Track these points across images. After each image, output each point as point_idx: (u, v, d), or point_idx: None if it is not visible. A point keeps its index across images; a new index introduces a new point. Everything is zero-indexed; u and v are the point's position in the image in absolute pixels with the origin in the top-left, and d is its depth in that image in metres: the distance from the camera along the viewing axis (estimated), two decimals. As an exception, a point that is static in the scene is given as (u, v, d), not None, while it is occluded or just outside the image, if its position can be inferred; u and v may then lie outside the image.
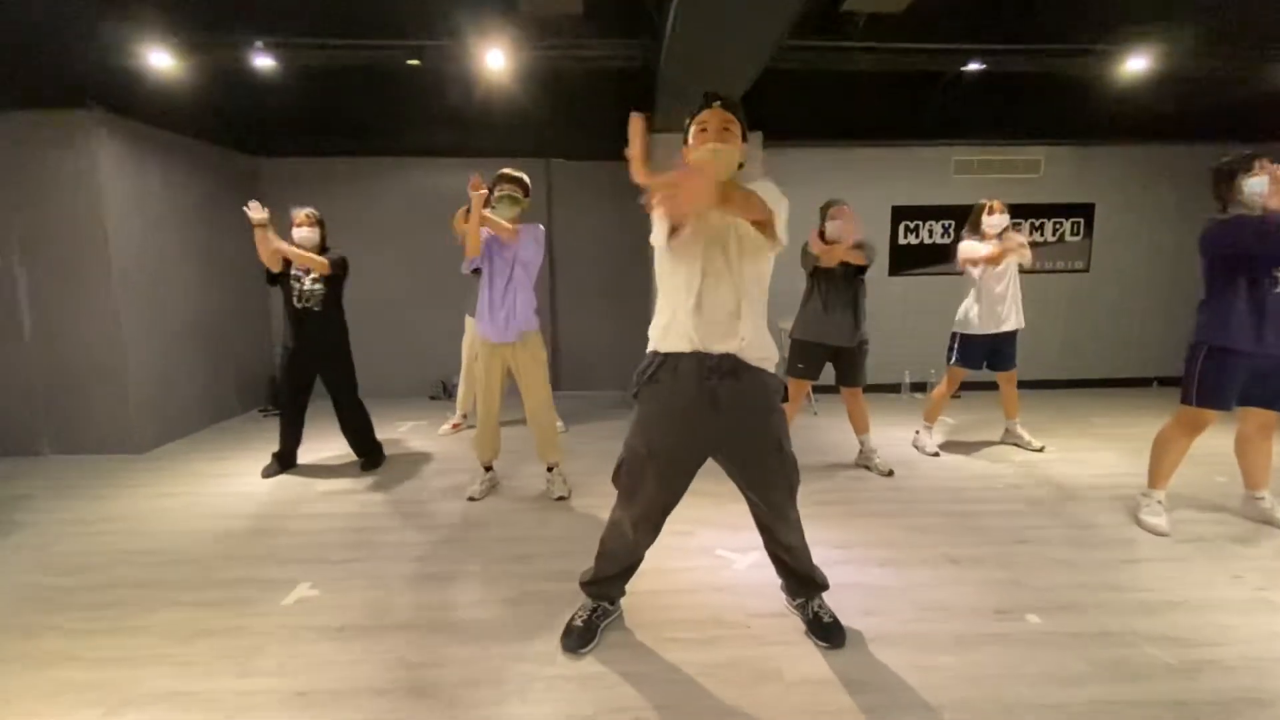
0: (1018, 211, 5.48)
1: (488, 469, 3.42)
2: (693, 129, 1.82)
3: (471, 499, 3.30)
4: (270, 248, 3.38)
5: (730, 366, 1.80)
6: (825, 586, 2.13)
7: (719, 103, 1.80)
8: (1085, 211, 5.74)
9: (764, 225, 1.73)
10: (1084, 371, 5.91)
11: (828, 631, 2.05)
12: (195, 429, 4.77)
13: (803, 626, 2.13)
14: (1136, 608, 2.25)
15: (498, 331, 3.14)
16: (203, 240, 4.87)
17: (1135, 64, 3.83)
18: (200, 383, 4.84)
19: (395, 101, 4.79)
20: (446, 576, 2.52)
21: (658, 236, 1.78)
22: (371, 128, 5.15)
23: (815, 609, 2.11)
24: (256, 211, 3.31)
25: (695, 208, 1.56)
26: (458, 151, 5.53)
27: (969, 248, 3.82)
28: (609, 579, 2.10)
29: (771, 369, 1.89)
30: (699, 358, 1.80)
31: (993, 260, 3.70)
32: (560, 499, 3.30)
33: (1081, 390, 5.82)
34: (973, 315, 3.89)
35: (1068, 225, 5.75)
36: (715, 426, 1.84)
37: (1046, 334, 5.78)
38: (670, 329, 1.85)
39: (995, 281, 3.83)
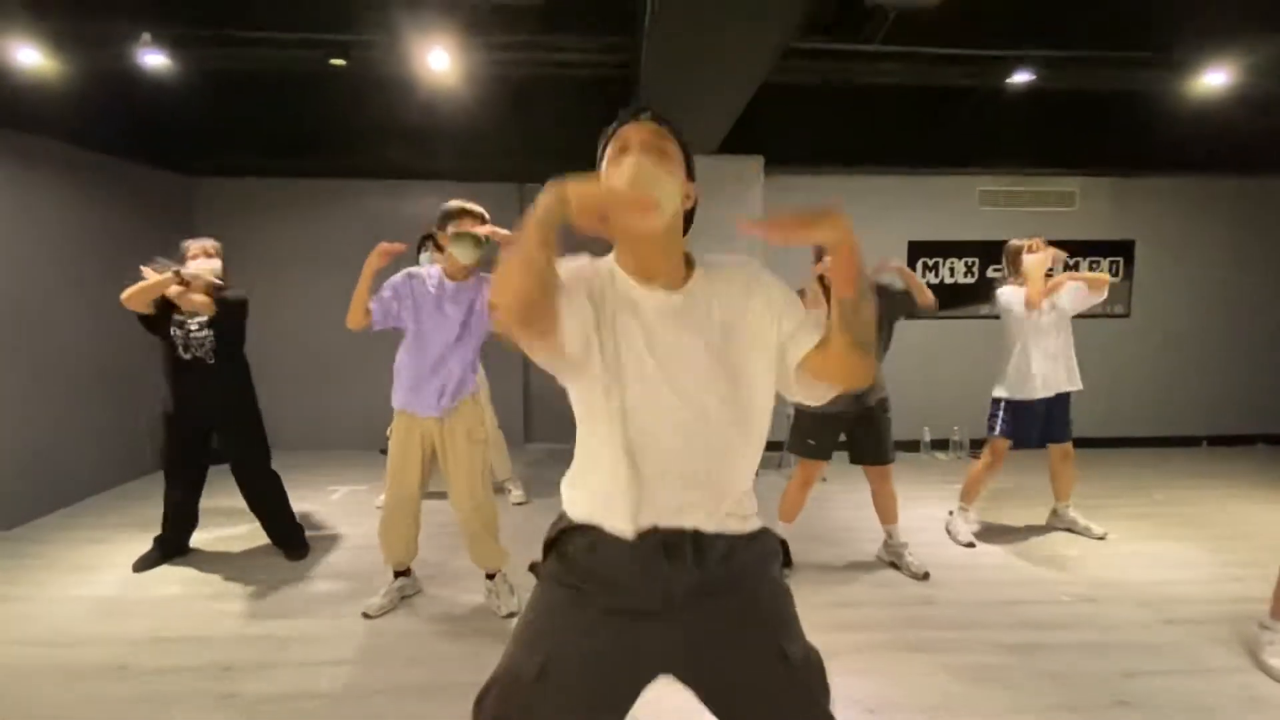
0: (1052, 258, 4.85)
1: (399, 574, 2.66)
2: (607, 150, 1.10)
3: (366, 616, 2.53)
4: (154, 296, 2.71)
5: (697, 547, 1.05)
6: None
7: (647, 114, 1.08)
8: (1125, 250, 5.11)
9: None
10: (1124, 429, 5.22)
11: None
12: (86, 494, 3.99)
13: None
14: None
15: (424, 404, 2.44)
16: (110, 270, 4.11)
17: (1212, 79, 3.21)
18: (97, 439, 4.07)
19: (339, 114, 4.14)
20: (314, 769, 1.76)
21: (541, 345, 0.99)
22: (309, 145, 4.48)
23: None
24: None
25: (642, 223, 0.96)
26: (416, 173, 4.88)
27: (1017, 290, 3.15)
28: None
29: (758, 525, 1.14)
30: (641, 537, 1.05)
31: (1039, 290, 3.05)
32: (510, 616, 2.54)
33: (1122, 450, 5.11)
34: (1008, 377, 3.22)
35: (1105, 265, 5.11)
36: (667, 640, 1.08)
37: (1085, 387, 5.07)
38: (588, 490, 1.12)
39: (1047, 333, 3.16)
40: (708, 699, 1.12)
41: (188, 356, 2.87)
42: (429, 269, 2.54)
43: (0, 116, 3.38)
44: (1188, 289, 5.17)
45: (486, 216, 2.45)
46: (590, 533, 1.08)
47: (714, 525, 1.06)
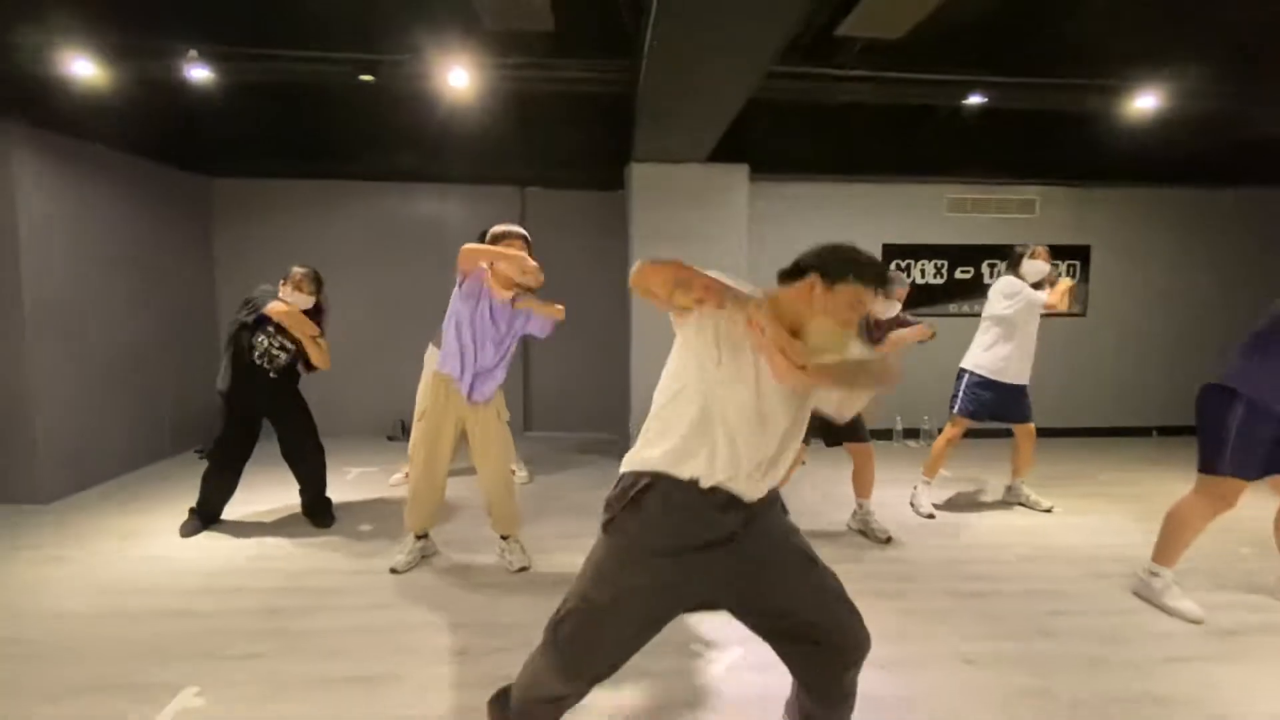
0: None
1: (419, 537, 2.98)
2: (836, 289, 1.37)
3: (394, 571, 2.86)
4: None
5: (752, 511, 1.43)
6: None
7: (881, 289, 1.44)
8: (1082, 254, 5.53)
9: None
10: (1081, 420, 5.63)
11: None
12: (116, 473, 4.27)
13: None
14: (1190, 731, 1.89)
15: (479, 391, 2.76)
16: (141, 264, 4.44)
17: (1142, 102, 3.62)
18: (127, 423, 4.36)
19: (357, 123, 4.46)
20: (362, 682, 2.08)
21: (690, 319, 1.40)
22: (332, 150, 4.80)
23: None
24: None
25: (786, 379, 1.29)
26: (427, 177, 5.20)
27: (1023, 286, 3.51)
28: None
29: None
30: (711, 492, 1.39)
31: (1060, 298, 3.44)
32: (522, 570, 2.88)
33: (1078, 440, 5.53)
34: (990, 359, 3.58)
35: (1064, 268, 5.52)
36: (724, 569, 1.43)
37: (1042, 381, 5.42)
38: (670, 445, 1.41)
39: (1019, 328, 3.53)
40: (762, 612, 1.48)
41: (258, 363, 3.19)
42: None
43: (56, 123, 3.67)
44: (1140, 291, 5.59)
45: (529, 241, 2.74)
46: (661, 487, 1.39)
47: (756, 496, 1.43)
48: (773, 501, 1.51)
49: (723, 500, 1.39)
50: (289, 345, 3.25)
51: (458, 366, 2.72)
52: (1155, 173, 5.29)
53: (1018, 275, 3.56)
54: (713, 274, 1.34)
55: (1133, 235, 5.55)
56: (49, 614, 2.51)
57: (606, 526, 1.45)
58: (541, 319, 2.78)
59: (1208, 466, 2.51)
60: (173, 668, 2.14)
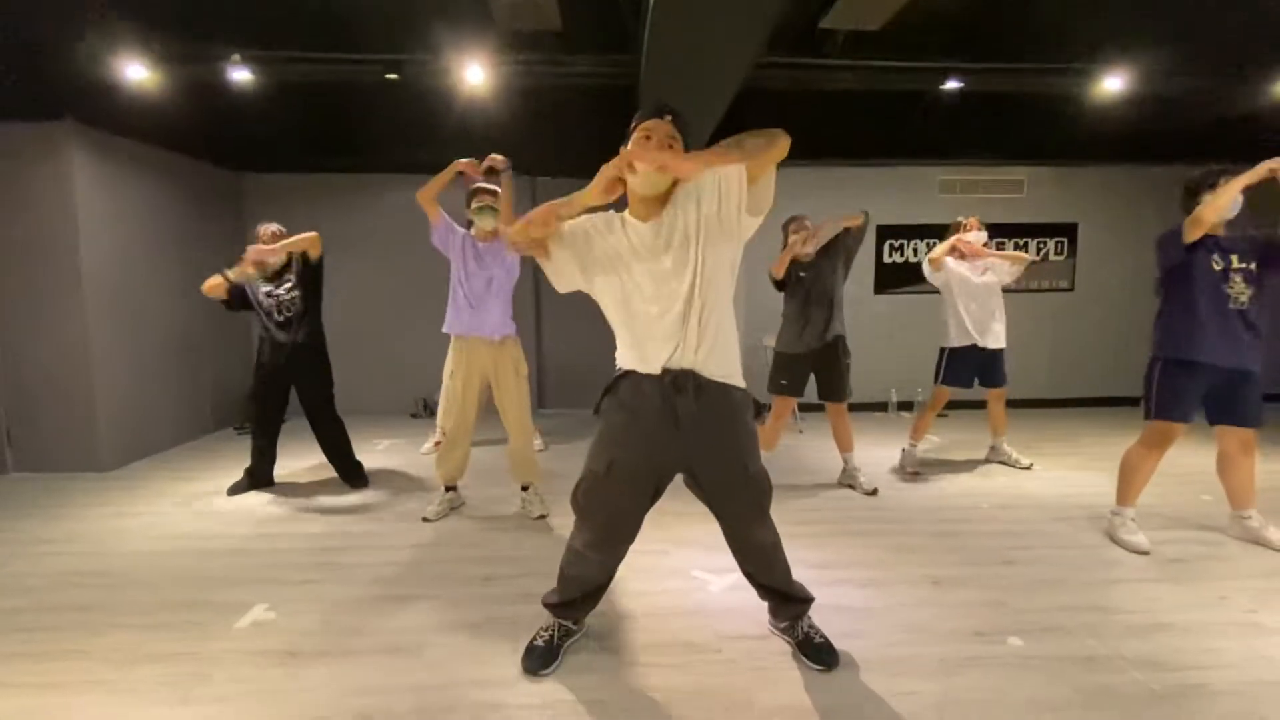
0: (1002, 231, 5.50)
1: (449, 489, 3.31)
2: (635, 135, 1.72)
3: (426, 520, 3.19)
4: (216, 288, 3.46)
5: (690, 384, 1.72)
6: (810, 600, 2.04)
7: (670, 116, 1.71)
8: (1069, 231, 5.77)
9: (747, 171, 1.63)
10: (1070, 391, 5.88)
11: (819, 652, 1.97)
12: (166, 447, 4.65)
13: (784, 650, 2.04)
14: (1122, 630, 2.18)
15: (477, 323, 3.09)
16: (181, 255, 4.79)
17: (1111, 84, 3.86)
18: (173, 400, 4.73)
19: (378, 118, 4.77)
20: (408, 599, 2.42)
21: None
22: (353, 144, 5.12)
23: (805, 629, 2.02)
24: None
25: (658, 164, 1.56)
26: (441, 168, 5.50)
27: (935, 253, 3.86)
28: (572, 603, 2.01)
29: (738, 384, 1.82)
30: (659, 374, 1.73)
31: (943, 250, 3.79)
32: (541, 518, 3.21)
33: (1068, 410, 5.78)
34: (951, 328, 3.87)
35: (1051, 245, 5.77)
36: (677, 445, 1.77)
37: (1032, 353, 5.75)
38: (627, 345, 1.80)
39: (969, 298, 3.82)
40: (696, 491, 1.88)
41: (281, 318, 3.51)
42: (461, 230, 3.21)
43: (111, 123, 4.02)
44: (1125, 266, 5.81)
45: (498, 192, 3.13)
46: (631, 376, 1.78)
47: (694, 366, 1.72)
48: (730, 397, 1.76)
49: (673, 379, 1.71)
50: (290, 285, 3.52)
51: (470, 319, 3.09)
52: (1139, 151, 5.51)
53: (953, 249, 3.89)
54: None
55: (1118, 212, 5.77)
56: (129, 554, 2.87)
57: (597, 410, 1.84)
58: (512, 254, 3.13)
59: (1144, 415, 2.81)
60: (243, 590, 2.49)
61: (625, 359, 1.80)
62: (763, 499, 1.88)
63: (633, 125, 1.76)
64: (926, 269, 3.89)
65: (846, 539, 2.96)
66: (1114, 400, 5.91)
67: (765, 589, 2.02)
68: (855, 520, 3.18)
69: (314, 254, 3.52)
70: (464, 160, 3.03)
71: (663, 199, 1.72)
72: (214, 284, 3.45)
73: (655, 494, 1.87)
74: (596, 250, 1.75)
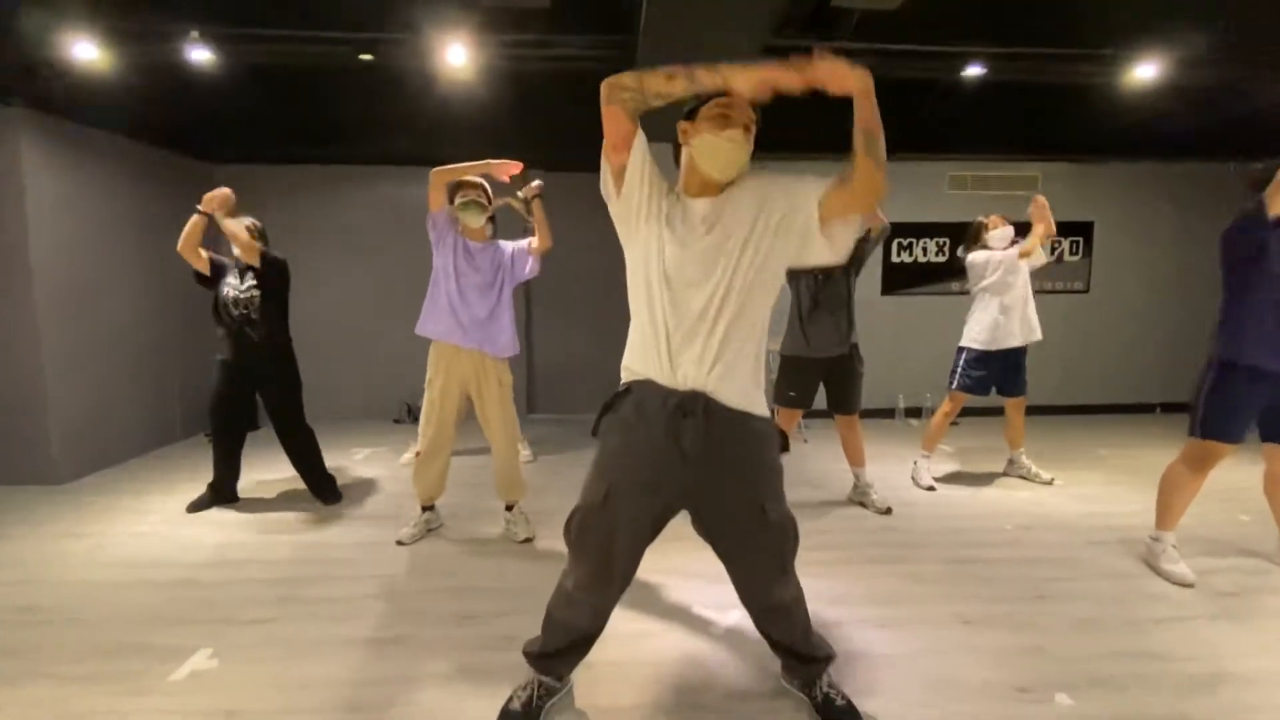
0: (1013, 230, 5.24)
1: (426, 509, 3.03)
2: (708, 110, 1.47)
3: (400, 543, 2.90)
4: (196, 239, 3.16)
5: (700, 407, 1.45)
6: (831, 657, 1.78)
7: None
8: (1084, 230, 5.52)
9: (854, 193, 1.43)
10: (1084, 397, 5.64)
11: (841, 716, 1.70)
12: (130, 455, 4.35)
13: (800, 707, 1.78)
14: (1181, 683, 1.92)
15: (468, 334, 2.79)
16: (146, 250, 4.48)
17: (1143, 72, 3.59)
18: (137, 405, 4.43)
19: (358, 106, 4.46)
20: (373, 643, 2.14)
21: (610, 184, 1.54)
22: (330, 133, 4.81)
23: (825, 689, 1.75)
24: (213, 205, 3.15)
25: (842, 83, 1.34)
26: (426, 160, 5.19)
27: (990, 253, 3.62)
28: (557, 653, 1.73)
29: (760, 413, 1.54)
30: (665, 391, 1.47)
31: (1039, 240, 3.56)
32: (526, 541, 2.93)
33: (1082, 417, 5.54)
34: (982, 329, 3.61)
35: (1066, 244, 5.52)
36: (682, 479, 1.50)
37: (1045, 357, 5.45)
38: (635, 344, 1.55)
39: (1005, 291, 3.56)
40: (702, 533, 1.58)
41: (236, 313, 3.22)
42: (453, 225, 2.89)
43: (58, 107, 3.71)
44: (1142, 266, 5.57)
45: (486, 187, 2.85)
46: (635, 391, 1.51)
47: (705, 388, 1.46)
48: (748, 426, 1.50)
49: (680, 400, 1.45)
50: (252, 283, 3.24)
51: (451, 324, 2.77)
52: (1158, 147, 5.25)
53: (985, 248, 3.65)
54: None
55: (1136, 211, 5.53)
56: (67, 584, 2.58)
57: (595, 430, 1.58)
58: (533, 260, 2.91)
59: (1190, 431, 2.54)
60: (188, 632, 2.20)
61: (631, 361, 1.55)
62: (785, 551, 1.60)
63: (694, 105, 1.52)
64: (1017, 262, 3.58)
65: (861, 568, 2.70)
66: (1130, 407, 5.67)
67: (781, 647, 1.75)
68: (869, 545, 2.92)
69: (248, 261, 3.22)
70: (501, 162, 2.65)
71: (721, 187, 1.51)
72: (192, 231, 3.17)
73: (655, 530, 1.60)
74: (654, 193, 1.51)
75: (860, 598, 2.44)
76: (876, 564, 2.73)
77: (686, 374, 1.45)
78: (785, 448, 1.65)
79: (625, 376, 1.56)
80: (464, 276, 2.80)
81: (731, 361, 1.46)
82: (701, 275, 1.45)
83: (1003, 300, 3.58)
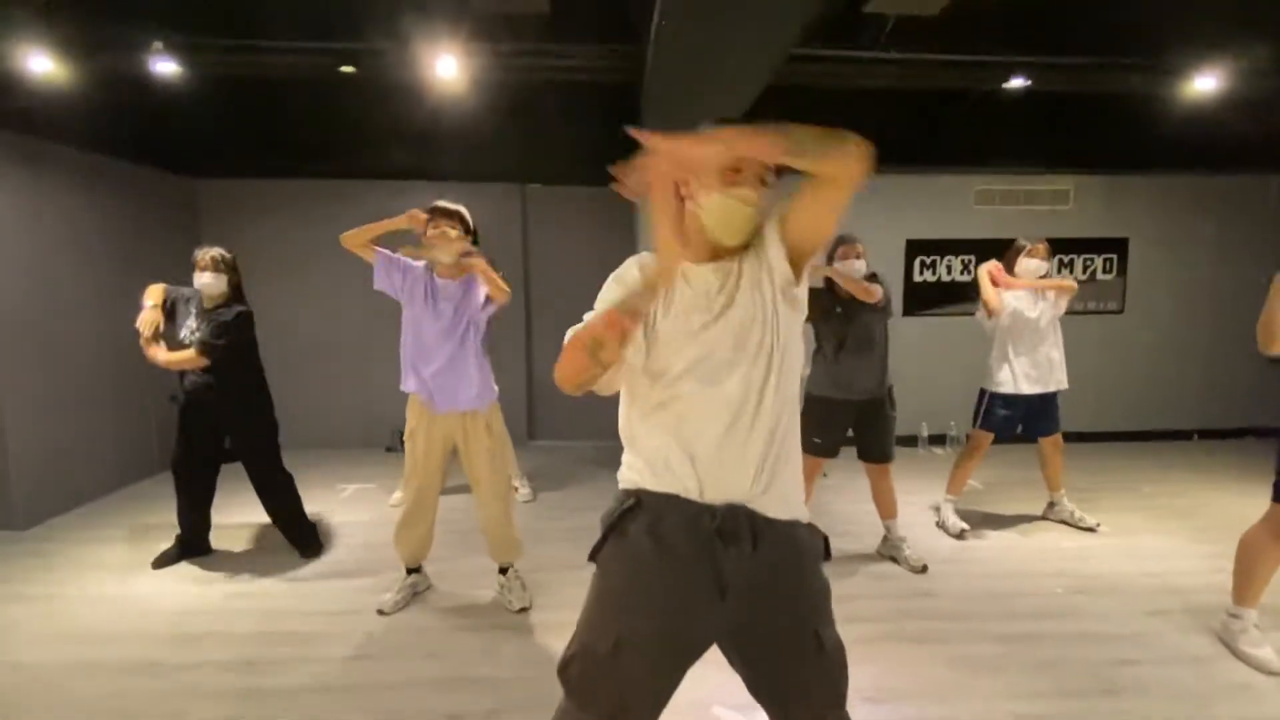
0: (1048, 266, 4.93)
1: (411, 571, 2.73)
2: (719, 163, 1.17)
3: (381, 613, 2.60)
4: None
5: (746, 529, 1.15)
6: None
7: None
8: (1119, 247, 5.19)
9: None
10: (1118, 423, 5.31)
11: None
12: (102, 492, 4.05)
13: None
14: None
15: (435, 397, 2.49)
16: (119, 273, 4.19)
17: (1202, 84, 3.28)
18: (108, 440, 4.13)
19: (345, 119, 4.18)
20: (341, 758, 1.84)
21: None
22: (321, 148, 4.53)
23: None
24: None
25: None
26: (421, 174, 4.92)
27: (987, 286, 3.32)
28: None
29: (804, 518, 1.24)
30: (696, 510, 1.16)
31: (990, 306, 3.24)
32: (522, 611, 2.62)
33: (1115, 444, 5.21)
34: (996, 372, 3.32)
35: (1099, 262, 5.19)
36: (718, 618, 1.18)
37: (1078, 382, 5.10)
38: (643, 447, 1.23)
39: (1022, 338, 3.25)
40: (740, 669, 1.25)
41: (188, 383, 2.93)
42: (420, 264, 2.55)
43: (14, 122, 3.43)
44: (1179, 285, 5.25)
45: (466, 216, 2.51)
46: (648, 508, 1.18)
47: (752, 502, 1.16)
48: (797, 541, 1.22)
49: (720, 522, 1.14)
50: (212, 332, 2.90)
51: (418, 381, 2.48)
52: (1197, 160, 4.94)
53: (1012, 272, 3.34)
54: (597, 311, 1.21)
55: (1173, 227, 5.20)
56: (4, 666, 2.28)
57: (595, 556, 1.24)
58: (492, 305, 2.48)
59: (1274, 495, 2.22)
60: (128, 739, 1.91)
61: (640, 468, 1.22)
62: (841, 681, 1.27)
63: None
64: (983, 319, 3.32)
65: (899, 647, 2.39)
66: (1165, 434, 5.34)
67: None
68: (907, 615, 2.61)
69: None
70: (410, 213, 2.45)
71: (735, 251, 1.22)
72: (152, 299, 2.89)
73: (683, 672, 1.27)
74: (663, 303, 1.22)
75: (905, 690, 2.13)
76: (916, 643, 2.41)
77: (723, 485, 1.15)
78: (827, 555, 1.33)
79: (629, 484, 1.24)
80: (421, 322, 2.47)
81: (784, 465, 1.17)
82: (731, 357, 1.15)
83: (1017, 345, 3.29)
